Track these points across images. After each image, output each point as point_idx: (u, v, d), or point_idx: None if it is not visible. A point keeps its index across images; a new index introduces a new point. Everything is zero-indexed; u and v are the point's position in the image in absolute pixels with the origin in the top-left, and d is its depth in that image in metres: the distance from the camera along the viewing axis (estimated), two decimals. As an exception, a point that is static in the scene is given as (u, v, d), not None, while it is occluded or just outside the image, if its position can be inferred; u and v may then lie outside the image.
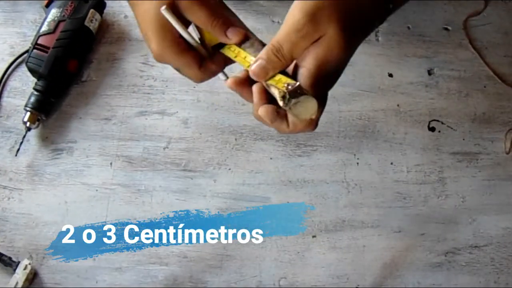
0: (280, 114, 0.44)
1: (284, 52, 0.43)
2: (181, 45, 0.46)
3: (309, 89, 0.43)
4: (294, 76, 0.44)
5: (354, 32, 0.44)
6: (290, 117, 0.43)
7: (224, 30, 0.46)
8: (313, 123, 0.45)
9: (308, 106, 0.41)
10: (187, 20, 0.46)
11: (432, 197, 0.73)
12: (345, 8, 0.43)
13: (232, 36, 0.46)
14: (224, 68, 0.50)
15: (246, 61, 0.46)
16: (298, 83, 0.41)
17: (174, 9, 0.44)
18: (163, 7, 0.43)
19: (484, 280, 0.70)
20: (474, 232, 0.72)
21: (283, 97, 0.41)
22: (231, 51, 0.47)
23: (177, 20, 0.44)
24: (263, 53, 0.43)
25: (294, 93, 0.40)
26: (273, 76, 0.44)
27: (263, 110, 0.44)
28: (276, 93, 0.42)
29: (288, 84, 0.41)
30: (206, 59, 0.48)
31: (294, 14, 0.43)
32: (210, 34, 0.48)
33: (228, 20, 0.46)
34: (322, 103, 0.44)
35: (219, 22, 0.46)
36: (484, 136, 0.78)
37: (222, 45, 0.48)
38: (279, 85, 0.42)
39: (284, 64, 0.43)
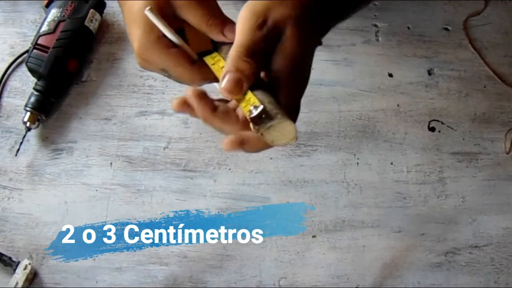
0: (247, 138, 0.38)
1: (253, 53, 0.39)
2: (168, 43, 0.42)
3: (287, 97, 0.39)
4: (268, 84, 0.40)
5: (308, 33, 0.41)
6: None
7: (222, 29, 0.43)
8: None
9: (285, 130, 0.36)
10: (172, 23, 0.43)
11: (432, 197, 0.73)
12: (295, 7, 0.41)
13: (230, 34, 0.43)
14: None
15: (222, 71, 0.41)
16: (262, 106, 0.36)
17: (166, 8, 0.42)
18: (147, 7, 0.40)
19: (484, 280, 0.70)
20: (474, 232, 0.72)
21: (252, 121, 0.36)
22: (211, 58, 0.43)
23: (162, 21, 0.41)
24: (229, 64, 0.38)
25: (259, 119, 0.35)
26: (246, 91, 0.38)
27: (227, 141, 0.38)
28: (247, 115, 0.37)
29: (254, 107, 0.36)
30: (197, 60, 0.44)
31: (248, 15, 0.40)
32: (195, 40, 0.45)
33: (226, 19, 0.44)
34: (296, 112, 0.41)
35: (215, 21, 0.43)
36: (484, 136, 0.78)
37: (207, 54, 0.45)
38: (246, 109, 0.37)
39: (255, 68, 0.39)
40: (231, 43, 0.42)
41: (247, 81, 0.39)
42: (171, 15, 0.43)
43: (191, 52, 0.44)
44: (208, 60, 0.43)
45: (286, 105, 0.38)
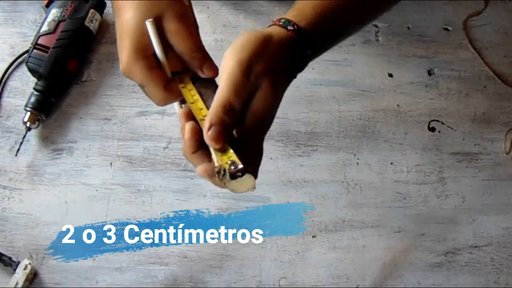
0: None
1: (236, 109, 0.42)
2: (153, 62, 0.45)
3: (254, 150, 0.42)
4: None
5: (281, 81, 0.45)
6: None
7: (201, 64, 0.46)
8: None
9: (245, 182, 0.39)
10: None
11: (432, 197, 0.73)
12: (273, 59, 0.44)
13: (207, 71, 0.46)
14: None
15: (200, 113, 0.44)
16: (242, 166, 0.39)
17: (157, 28, 0.44)
18: (149, 19, 0.43)
19: (484, 280, 0.70)
20: (474, 232, 0.72)
21: (218, 173, 0.39)
22: (190, 95, 0.46)
23: (157, 36, 0.44)
24: (213, 118, 0.41)
25: (235, 175, 0.39)
26: None
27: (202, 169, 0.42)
28: (215, 161, 0.41)
29: (233, 163, 0.39)
30: (170, 80, 0.47)
31: (234, 68, 0.42)
32: (170, 61, 0.47)
33: (207, 55, 0.46)
34: (260, 159, 0.44)
35: (198, 55, 0.45)
36: (484, 136, 0.78)
37: (176, 74, 0.47)
38: (223, 160, 0.40)
39: (236, 122, 0.42)
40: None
41: (229, 133, 0.42)
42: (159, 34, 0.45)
43: (168, 72, 0.46)
44: (187, 95, 0.46)
45: (252, 158, 0.42)
